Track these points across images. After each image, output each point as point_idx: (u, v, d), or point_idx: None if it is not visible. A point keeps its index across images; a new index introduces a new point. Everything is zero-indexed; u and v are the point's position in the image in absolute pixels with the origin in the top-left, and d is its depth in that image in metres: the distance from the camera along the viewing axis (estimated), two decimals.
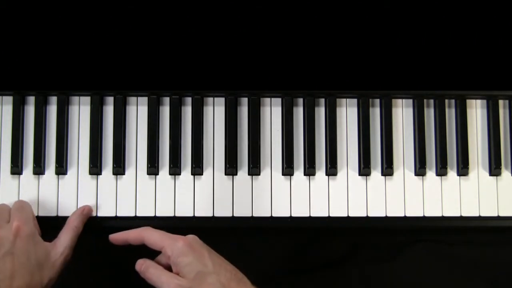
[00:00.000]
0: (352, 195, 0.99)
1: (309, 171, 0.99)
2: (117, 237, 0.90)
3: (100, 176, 0.98)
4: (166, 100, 1.00)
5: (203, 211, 0.98)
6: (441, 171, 1.00)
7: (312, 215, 0.98)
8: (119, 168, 0.98)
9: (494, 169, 1.00)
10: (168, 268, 0.86)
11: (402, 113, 1.02)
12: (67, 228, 0.93)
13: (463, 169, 1.00)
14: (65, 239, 0.92)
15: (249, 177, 0.99)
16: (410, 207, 0.99)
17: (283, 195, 0.99)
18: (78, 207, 0.97)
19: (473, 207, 1.00)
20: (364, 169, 0.99)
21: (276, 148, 1.00)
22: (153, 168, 0.98)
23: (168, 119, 0.99)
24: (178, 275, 0.84)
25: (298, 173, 0.99)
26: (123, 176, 0.98)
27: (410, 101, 1.02)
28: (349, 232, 1.04)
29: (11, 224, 0.88)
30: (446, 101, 1.02)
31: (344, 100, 1.01)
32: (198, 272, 0.82)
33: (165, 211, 0.98)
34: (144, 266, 0.87)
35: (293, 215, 0.98)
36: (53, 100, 0.99)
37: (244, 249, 1.02)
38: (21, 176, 0.98)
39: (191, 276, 0.82)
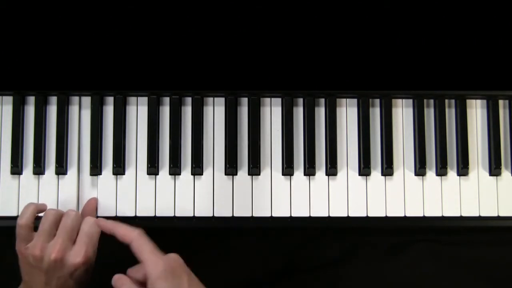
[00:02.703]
0: (352, 195, 0.99)
1: (309, 171, 0.99)
2: (104, 225, 0.88)
3: (100, 176, 0.98)
4: (166, 100, 1.00)
5: (203, 211, 0.98)
6: (441, 171, 1.00)
7: (312, 215, 0.98)
8: (119, 168, 0.98)
9: (494, 169, 1.00)
10: (143, 281, 0.83)
11: (402, 113, 1.02)
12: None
13: (463, 169, 1.00)
14: (90, 247, 0.89)
15: (249, 177, 0.99)
16: (410, 207, 0.99)
17: (283, 195, 0.99)
18: (79, 207, 0.97)
19: (473, 207, 1.00)
20: (364, 169, 0.99)
21: (276, 148, 1.00)
22: (153, 168, 0.98)
23: (168, 119, 0.99)
24: None
25: (298, 173, 0.99)
26: (123, 176, 0.98)
27: (410, 101, 1.02)
28: (349, 232, 1.04)
29: (75, 255, 0.85)
30: (446, 101, 1.02)
31: (344, 100, 1.01)
32: None
33: (165, 211, 0.98)
34: (119, 282, 0.84)
35: (293, 215, 0.98)
36: (53, 100, 0.99)
37: (244, 249, 1.02)
38: (21, 176, 0.98)
39: None
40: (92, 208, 0.96)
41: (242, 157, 0.99)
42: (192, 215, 0.98)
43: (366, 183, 1.00)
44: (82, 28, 0.98)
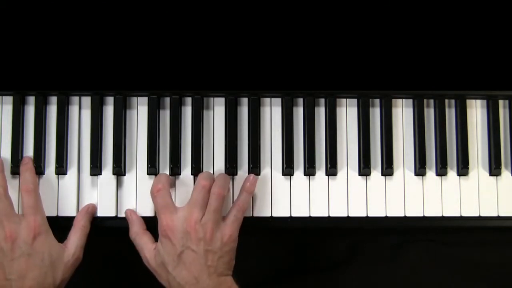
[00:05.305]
0: (352, 195, 0.99)
1: (309, 171, 0.99)
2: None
3: (100, 176, 0.98)
4: (166, 100, 1.00)
5: None
6: (441, 171, 1.00)
7: (312, 215, 0.98)
8: (119, 168, 0.98)
9: (494, 169, 1.00)
10: None
11: (402, 113, 1.02)
12: (74, 229, 0.93)
13: (463, 169, 1.00)
14: (74, 239, 0.92)
15: None
16: (410, 207, 0.99)
17: (283, 195, 0.99)
18: (79, 207, 0.97)
19: (473, 207, 1.00)
20: (364, 169, 0.99)
21: (276, 148, 1.00)
22: (153, 168, 0.98)
23: (168, 119, 0.99)
24: None
25: (298, 173, 0.99)
26: (123, 176, 0.98)
27: (410, 101, 1.02)
28: (349, 232, 1.04)
29: (28, 223, 0.88)
30: (446, 101, 1.02)
31: (344, 100, 1.01)
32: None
33: None
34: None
35: (293, 215, 0.98)
36: (53, 100, 0.99)
37: (244, 249, 1.02)
38: None
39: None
40: (84, 212, 0.96)
41: (242, 157, 0.99)
42: None
43: (366, 183, 1.00)
44: (82, 28, 0.98)
